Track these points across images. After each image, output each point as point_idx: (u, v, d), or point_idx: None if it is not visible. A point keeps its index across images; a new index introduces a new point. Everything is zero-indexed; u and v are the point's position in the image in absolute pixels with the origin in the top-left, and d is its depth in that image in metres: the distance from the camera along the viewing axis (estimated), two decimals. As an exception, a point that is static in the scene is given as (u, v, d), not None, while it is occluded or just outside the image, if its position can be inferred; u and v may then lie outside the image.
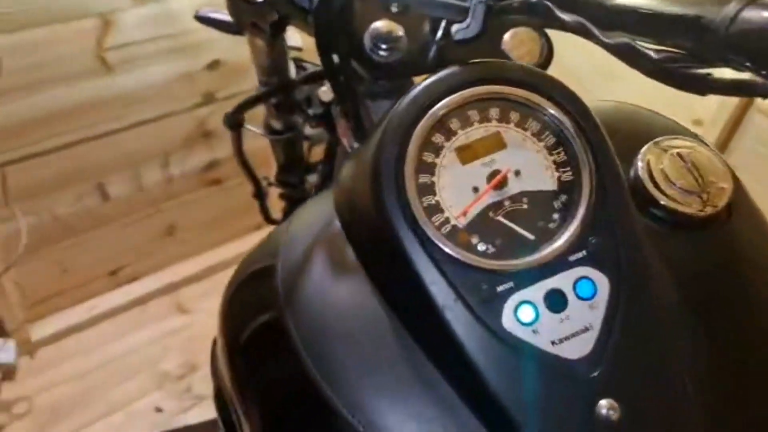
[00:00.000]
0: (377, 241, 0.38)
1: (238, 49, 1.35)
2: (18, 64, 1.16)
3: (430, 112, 0.38)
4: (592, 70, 1.13)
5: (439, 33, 0.48)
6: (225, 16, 0.74)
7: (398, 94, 0.53)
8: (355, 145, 0.56)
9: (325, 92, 0.73)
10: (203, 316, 1.58)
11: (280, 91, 0.75)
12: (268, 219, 1.03)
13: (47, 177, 1.33)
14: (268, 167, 1.01)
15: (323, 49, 0.50)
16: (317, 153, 0.99)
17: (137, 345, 1.51)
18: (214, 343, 0.50)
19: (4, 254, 1.34)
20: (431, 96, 0.38)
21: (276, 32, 0.59)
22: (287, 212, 1.07)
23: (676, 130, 0.48)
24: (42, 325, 1.50)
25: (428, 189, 0.37)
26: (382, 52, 0.48)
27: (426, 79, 0.40)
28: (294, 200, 1.04)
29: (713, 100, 1.04)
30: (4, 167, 1.24)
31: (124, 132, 1.38)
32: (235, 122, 0.78)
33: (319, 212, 0.46)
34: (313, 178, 1.02)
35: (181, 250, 1.65)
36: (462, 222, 0.37)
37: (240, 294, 0.47)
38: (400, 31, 0.48)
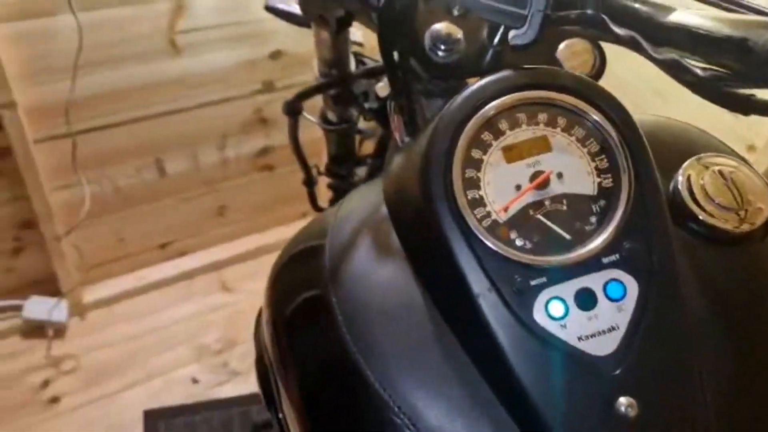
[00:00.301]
0: (421, 229, 0.41)
1: (301, 41, 1.40)
2: (97, 41, 1.23)
3: (481, 111, 0.40)
4: (647, 88, 1.13)
5: (497, 38, 0.50)
6: (293, 8, 0.77)
7: (452, 94, 0.56)
8: (407, 139, 0.59)
9: (382, 88, 0.76)
10: (245, 296, 1.63)
11: (339, 83, 0.78)
12: (316, 207, 1.05)
13: (112, 149, 1.40)
14: (319, 158, 1.04)
15: (385, 46, 0.53)
16: (367, 147, 1.02)
17: (181, 317, 1.58)
18: (260, 313, 0.53)
19: (66, 218, 1.42)
20: (483, 96, 0.40)
21: (341, 27, 0.62)
22: (333, 202, 1.09)
23: (719, 148, 0.48)
24: (94, 289, 1.58)
25: (473, 183, 0.39)
26: (440, 53, 0.50)
27: (480, 79, 0.42)
28: (341, 191, 1.07)
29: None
30: (75, 136, 1.31)
31: (185, 112, 1.44)
32: (293, 109, 0.81)
33: (367, 198, 0.49)
34: (361, 171, 1.05)
35: (229, 230, 1.70)
36: (503, 217, 0.39)
37: (288, 269, 0.50)
38: (459, 34, 0.50)
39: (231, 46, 1.40)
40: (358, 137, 0.99)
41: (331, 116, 0.90)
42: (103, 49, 1.26)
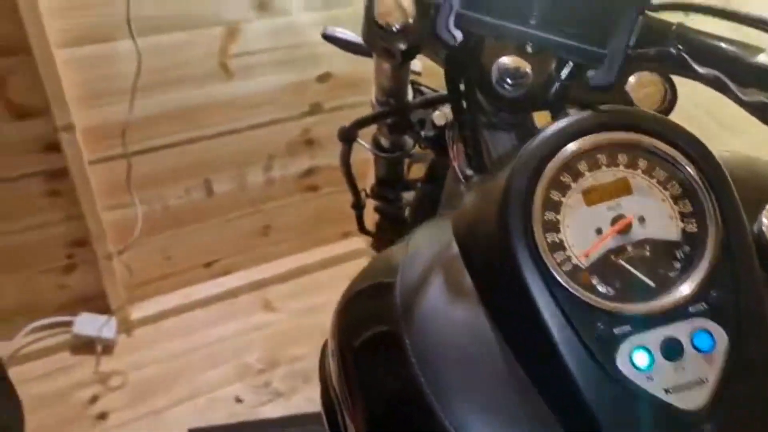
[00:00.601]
0: (498, 270, 0.40)
1: (348, 64, 1.41)
2: (154, 65, 1.26)
3: (561, 152, 0.40)
4: (711, 121, 1.10)
5: (565, 72, 0.49)
6: (351, 36, 0.77)
7: (516, 127, 0.55)
8: (468, 171, 0.58)
9: (439, 116, 0.76)
10: (288, 316, 1.63)
11: (397, 112, 0.78)
12: (363, 229, 1.05)
13: (163, 170, 1.43)
14: (365, 180, 1.04)
15: (451, 80, 0.53)
16: (415, 171, 1.02)
17: (224, 335, 1.59)
18: (325, 345, 0.53)
19: (116, 237, 1.45)
20: (563, 137, 0.40)
21: (406, 59, 0.62)
22: (379, 225, 1.09)
23: (806, 189, 0.47)
24: (141, 306, 1.60)
25: (553, 226, 0.38)
26: (507, 86, 0.50)
27: (558, 119, 0.42)
28: (388, 214, 1.06)
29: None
30: (131, 157, 1.35)
31: (235, 134, 1.47)
32: (348, 136, 0.81)
33: (436, 236, 0.49)
34: (409, 195, 1.04)
35: (273, 250, 1.72)
36: (584, 262, 0.38)
37: (357, 304, 0.49)
38: (527, 68, 0.50)
39: (281, 69, 1.42)
40: (407, 161, 0.99)
41: (384, 143, 0.90)
42: (159, 72, 1.29)
